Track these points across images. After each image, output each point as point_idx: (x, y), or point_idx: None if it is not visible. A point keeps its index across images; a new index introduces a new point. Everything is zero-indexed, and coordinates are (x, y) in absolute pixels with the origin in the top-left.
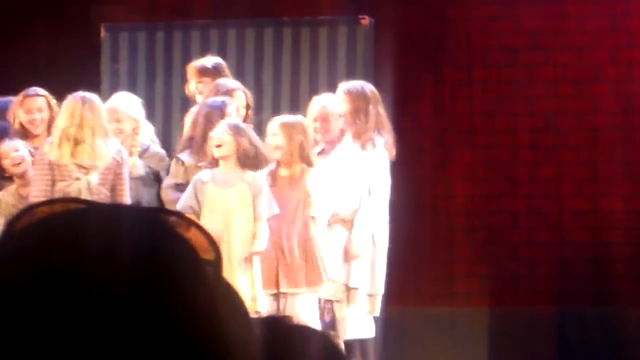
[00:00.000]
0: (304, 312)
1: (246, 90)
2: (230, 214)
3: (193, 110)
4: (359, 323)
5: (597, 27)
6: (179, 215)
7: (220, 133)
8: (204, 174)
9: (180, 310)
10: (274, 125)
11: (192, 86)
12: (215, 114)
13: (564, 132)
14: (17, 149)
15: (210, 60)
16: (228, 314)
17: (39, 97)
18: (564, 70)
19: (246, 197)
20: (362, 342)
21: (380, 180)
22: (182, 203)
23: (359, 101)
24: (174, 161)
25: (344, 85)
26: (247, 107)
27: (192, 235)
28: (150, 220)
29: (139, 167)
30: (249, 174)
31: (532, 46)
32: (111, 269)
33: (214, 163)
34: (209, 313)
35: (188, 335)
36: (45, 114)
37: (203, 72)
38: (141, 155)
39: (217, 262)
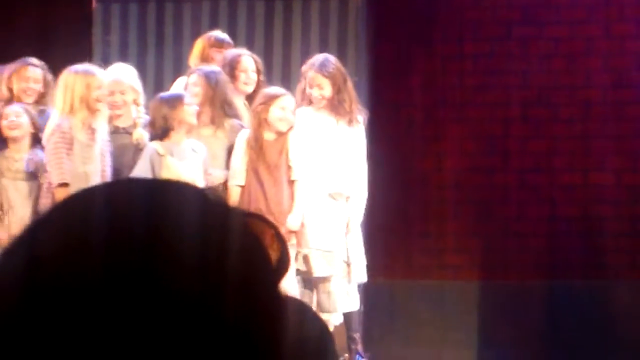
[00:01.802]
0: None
1: (254, 56)
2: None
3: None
4: (349, 296)
5: (590, 1)
6: (259, 217)
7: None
8: (158, 147)
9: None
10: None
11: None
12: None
13: (556, 105)
14: (19, 114)
15: (222, 33)
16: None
17: (37, 68)
18: (556, 44)
19: (199, 167)
20: (349, 315)
21: (364, 155)
22: (137, 174)
23: (338, 79)
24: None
25: (320, 68)
26: (258, 72)
27: (264, 229)
28: (236, 221)
29: (146, 138)
30: (194, 142)
31: (524, 20)
32: (192, 262)
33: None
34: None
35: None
36: (39, 86)
37: (221, 43)
38: (144, 126)
39: (285, 263)
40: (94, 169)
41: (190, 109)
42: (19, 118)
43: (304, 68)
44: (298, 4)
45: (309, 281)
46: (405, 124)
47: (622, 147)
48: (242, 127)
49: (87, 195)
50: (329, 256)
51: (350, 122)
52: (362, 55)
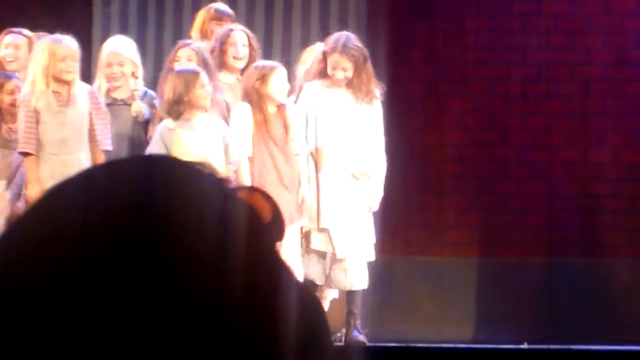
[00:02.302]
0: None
1: (246, 30)
2: (203, 157)
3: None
4: (363, 273)
5: None
6: (256, 190)
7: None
8: (168, 122)
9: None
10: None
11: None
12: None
13: (556, 82)
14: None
15: (224, 5)
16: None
17: (17, 35)
18: (556, 20)
19: (217, 139)
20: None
21: (382, 131)
22: (150, 152)
23: (359, 59)
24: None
25: (344, 49)
26: (250, 46)
27: (257, 200)
28: (220, 190)
29: (145, 111)
30: (214, 117)
31: None
32: (183, 237)
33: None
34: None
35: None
36: (22, 53)
37: (221, 15)
38: (141, 99)
39: (276, 227)
40: (74, 134)
41: (203, 92)
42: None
43: (325, 48)
44: None
45: (322, 255)
46: (407, 99)
47: (621, 125)
48: (224, 101)
49: (80, 181)
50: (351, 236)
51: (370, 100)
52: (363, 31)
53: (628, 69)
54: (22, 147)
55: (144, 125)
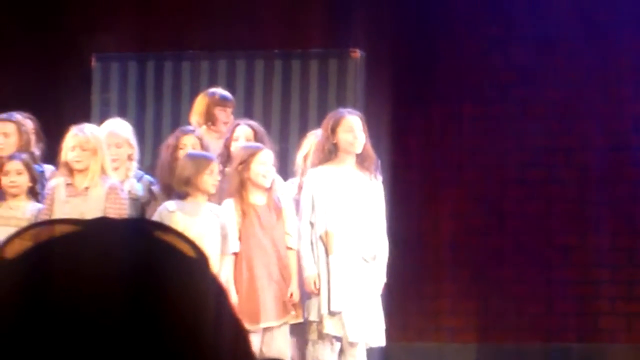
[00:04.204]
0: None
1: (251, 123)
2: (198, 242)
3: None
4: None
5: (588, 63)
6: (158, 224)
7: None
8: (169, 204)
9: (174, 307)
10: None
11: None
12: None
13: (553, 167)
14: (20, 171)
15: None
16: (216, 308)
17: (8, 123)
18: (553, 106)
19: (215, 227)
20: None
21: (384, 212)
22: None
23: (365, 127)
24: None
25: (354, 112)
26: (255, 139)
27: (173, 240)
28: (140, 233)
29: (139, 190)
30: (215, 205)
31: (522, 82)
32: (107, 288)
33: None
34: (200, 308)
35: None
36: (12, 140)
37: (224, 101)
38: (138, 181)
39: (201, 260)
40: None
41: (211, 179)
42: (19, 176)
43: (328, 124)
44: (297, 63)
45: (336, 340)
46: (403, 185)
47: (618, 210)
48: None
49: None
50: (363, 320)
51: (376, 177)
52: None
53: (625, 153)
54: None
55: (139, 206)
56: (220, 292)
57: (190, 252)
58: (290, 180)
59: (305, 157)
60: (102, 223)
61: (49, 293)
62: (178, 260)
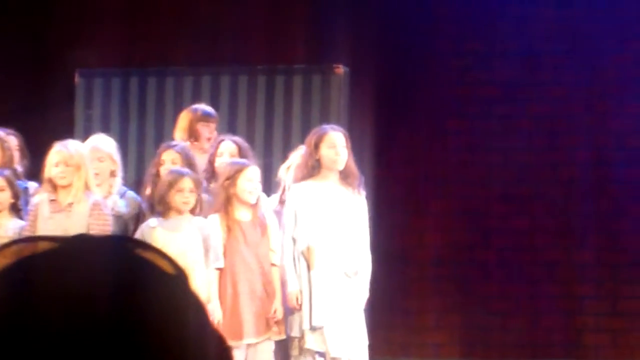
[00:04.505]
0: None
1: (235, 139)
2: (180, 257)
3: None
4: None
5: (571, 79)
6: (138, 241)
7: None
8: (151, 221)
9: (154, 326)
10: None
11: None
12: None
13: (537, 183)
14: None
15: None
16: (197, 324)
17: None
18: (538, 122)
19: (197, 241)
20: None
21: (367, 228)
22: None
23: (349, 144)
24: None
25: (338, 129)
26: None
27: (153, 257)
28: (120, 250)
29: (122, 207)
30: (199, 219)
31: (506, 97)
32: (87, 306)
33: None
34: (179, 324)
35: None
36: None
37: (207, 117)
38: (121, 197)
39: (181, 276)
40: None
41: (180, 196)
42: (1, 193)
43: (311, 140)
44: (281, 79)
45: (318, 355)
46: (387, 199)
47: (602, 226)
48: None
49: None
50: (345, 336)
51: (359, 192)
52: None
53: (610, 169)
54: None
55: (122, 223)
56: (200, 308)
57: (169, 269)
58: (272, 196)
59: (287, 170)
60: (82, 240)
61: (30, 311)
62: (157, 277)
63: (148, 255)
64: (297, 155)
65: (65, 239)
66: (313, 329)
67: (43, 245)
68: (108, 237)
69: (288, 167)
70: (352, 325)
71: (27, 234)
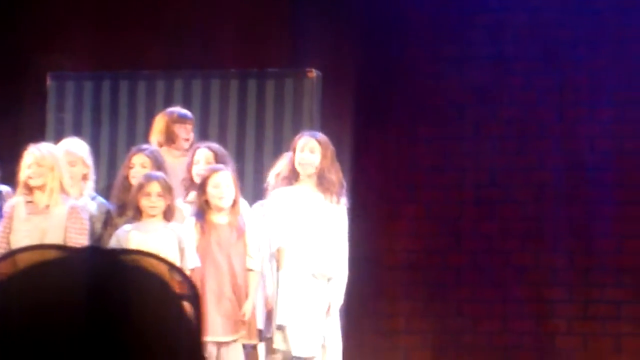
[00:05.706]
0: None
1: (212, 145)
2: None
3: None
4: None
5: (542, 84)
6: (154, 256)
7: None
8: (126, 226)
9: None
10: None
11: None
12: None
13: (509, 187)
14: None
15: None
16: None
17: None
18: (509, 126)
19: (171, 242)
20: None
21: (346, 236)
22: None
23: (330, 152)
24: None
25: (313, 134)
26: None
27: (137, 259)
28: (119, 262)
29: (93, 209)
30: (174, 223)
31: (477, 101)
32: (70, 314)
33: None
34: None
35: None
36: None
37: (184, 118)
38: (92, 199)
39: (193, 297)
40: (35, 241)
41: (146, 201)
42: None
43: (292, 145)
44: (253, 83)
45: (285, 355)
46: (359, 204)
47: (574, 230)
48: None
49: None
50: (308, 336)
51: (337, 200)
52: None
53: (581, 173)
54: None
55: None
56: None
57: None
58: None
59: (277, 176)
60: (65, 250)
61: (14, 322)
62: (140, 279)
63: (132, 257)
64: (285, 161)
65: (47, 247)
66: (278, 328)
67: (25, 257)
68: (89, 248)
69: (277, 174)
70: (319, 327)
71: (2, 237)
